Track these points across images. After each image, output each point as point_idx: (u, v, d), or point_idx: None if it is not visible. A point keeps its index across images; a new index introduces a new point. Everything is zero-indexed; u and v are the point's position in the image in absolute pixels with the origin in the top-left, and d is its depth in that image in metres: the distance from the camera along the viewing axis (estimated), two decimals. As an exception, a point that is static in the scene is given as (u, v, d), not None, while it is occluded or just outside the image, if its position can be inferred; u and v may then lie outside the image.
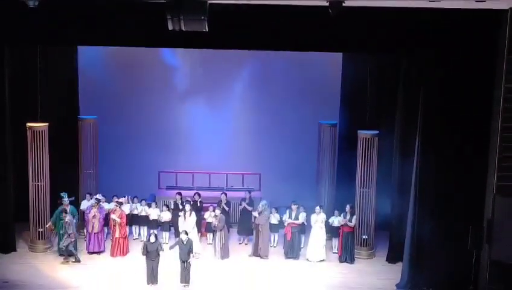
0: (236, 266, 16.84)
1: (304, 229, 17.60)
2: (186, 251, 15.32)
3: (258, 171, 20.01)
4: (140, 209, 18.19)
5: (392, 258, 17.15)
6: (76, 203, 17.74)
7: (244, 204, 18.14)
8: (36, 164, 16.99)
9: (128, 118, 20.10)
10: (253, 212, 17.67)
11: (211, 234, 17.80)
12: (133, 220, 18.33)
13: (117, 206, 17.36)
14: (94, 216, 17.10)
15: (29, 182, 17.13)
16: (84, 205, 17.89)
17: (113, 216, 17.19)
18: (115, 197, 17.71)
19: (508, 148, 14.10)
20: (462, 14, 13.74)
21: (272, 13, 13.84)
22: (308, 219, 17.35)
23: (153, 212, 18.12)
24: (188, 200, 17.76)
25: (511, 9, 13.56)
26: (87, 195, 18.06)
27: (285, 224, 17.30)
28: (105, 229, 17.66)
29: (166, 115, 20.31)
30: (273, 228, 17.79)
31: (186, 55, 19.80)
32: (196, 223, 17.31)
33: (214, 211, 17.41)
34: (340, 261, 17.26)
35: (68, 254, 16.75)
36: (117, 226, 17.14)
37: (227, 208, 18.18)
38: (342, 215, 17.22)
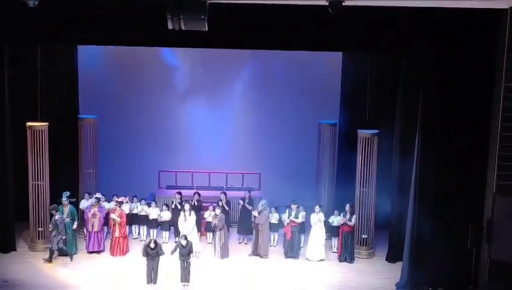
0: (236, 266, 16.84)
1: (304, 228, 17.61)
2: (187, 253, 15.34)
3: (257, 170, 20.02)
4: (140, 208, 18.20)
5: (392, 257, 17.16)
6: (76, 203, 17.75)
7: (244, 203, 18.14)
8: (36, 163, 16.98)
9: (128, 118, 20.11)
10: (253, 212, 17.68)
11: (211, 234, 17.81)
12: (133, 219, 18.34)
13: (117, 205, 17.36)
14: (94, 215, 17.10)
15: (29, 181, 17.12)
16: (84, 204, 17.90)
17: (112, 215, 17.19)
18: (114, 197, 17.71)
19: (507, 147, 14.11)
20: (461, 14, 13.75)
21: (272, 13, 13.83)
22: (307, 218, 17.35)
23: (153, 212, 18.13)
24: (187, 200, 17.77)
25: (510, 8, 13.57)
26: (86, 194, 18.07)
27: (285, 223, 17.31)
28: (105, 228, 17.66)
29: (166, 115, 20.32)
30: (273, 227, 17.80)
31: (186, 54, 19.80)
32: (196, 222, 17.31)
33: (213, 210, 17.42)
34: (340, 260, 17.26)
35: (60, 253, 16.73)
36: (117, 225, 17.15)
37: (227, 208, 18.18)
38: (341, 214, 17.22)
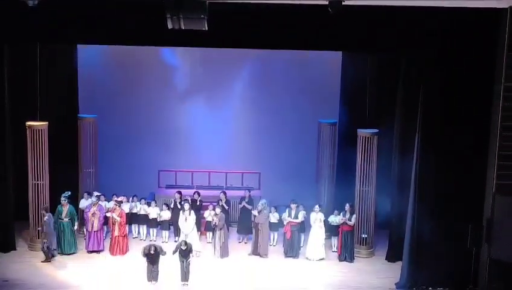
0: (235, 265, 16.85)
1: (304, 228, 17.61)
2: (186, 253, 15.35)
3: (257, 170, 20.03)
4: (140, 208, 18.20)
5: (392, 257, 17.16)
6: (75, 203, 17.77)
7: (244, 203, 18.15)
8: (36, 162, 16.97)
9: (128, 117, 20.10)
10: (252, 211, 17.68)
11: (210, 233, 17.81)
12: (133, 219, 18.34)
13: (116, 205, 17.36)
14: (94, 214, 17.11)
15: (29, 181, 17.11)
16: (83, 203, 17.91)
17: (112, 215, 17.20)
18: (114, 196, 17.72)
19: (507, 146, 14.11)
20: (461, 14, 13.76)
21: (272, 12, 13.83)
22: (307, 217, 17.35)
23: (153, 211, 18.14)
24: (186, 199, 17.77)
25: (510, 8, 13.57)
26: (85, 194, 18.07)
27: (285, 223, 17.31)
28: (105, 228, 17.66)
29: (166, 114, 20.32)
30: (273, 226, 17.80)
31: (186, 54, 19.80)
32: (196, 222, 17.32)
33: (213, 209, 17.42)
34: (340, 260, 17.26)
35: (46, 253, 16.70)
36: (116, 225, 17.15)
37: (226, 207, 18.19)
38: (341, 214, 17.22)
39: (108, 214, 17.29)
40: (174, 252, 15.52)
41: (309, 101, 19.57)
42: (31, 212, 17.16)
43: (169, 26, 12.64)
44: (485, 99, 14.54)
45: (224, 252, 17.23)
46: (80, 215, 17.84)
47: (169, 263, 15.63)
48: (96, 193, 17.73)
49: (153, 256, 15.24)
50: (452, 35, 14.34)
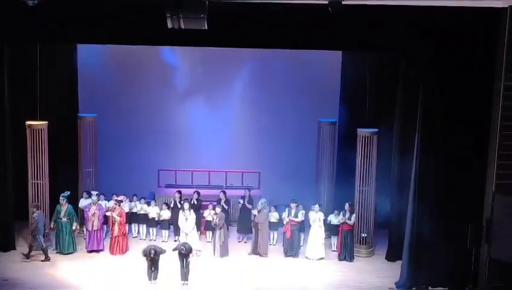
0: (235, 264, 16.85)
1: (303, 227, 17.62)
2: (186, 253, 15.35)
3: (257, 169, 20.04)
4: (140, 207, 18.20)
5: (392, 256, 17.16)
6: (75, 203, 17.77)
7: (243, 202, 18.15)
8: (35, 162, 16.99)
9: (127, 117, 20.11)
10: (252, 211, 17.69)
11: (210, 232, 17.82)
12: (132, 218, 18.34)
13: (116, 204, 17.37)
14: (94, 214, 17.11)
15: (29, 180, 17.13)
16: (82, 203, 17.92)
17: (112, 214, 17.20)
18: (114, 195, 17.72)
19: (507, 146, 14.11)
20: (461, 13, 13.76)
21: (272, 11, 13.83)
22: (307, 217, 17.35)
23: (152, 211, 18.14)
24: (186, 199, 17.77)
25: (510, 7, 13.57)
26: (85, 193, 18.08)
27: (285, 222, 17.31)
28: (105, 227, 17.66)
29: (165, 114, 20.32)
30: (273, 226, 17.80)
31: (186, 54, 19.80)
32: (196, 221, 17.32)
33: (213, 209, 17.43)
34: (340, 259, 17.26)
35: (30, 251, 16.73)
36: (116, 224, 17.15)
37: (226, 206, 18.19)
38: (341, 213, 17.23)
39: (108, 213, 17.30)
40: (174, 250, 15.53)
41: (309, 100, 19.57)
42: (30, 212, 17.14)
43: (169, 25, 12.65)
44: (485, 99, 14.53)
45: (224, 252, 17.24)
46: (80, 215, 17.86)
47: (169, 262, 15.63)
48: (94, 192, 17.71)
49: (153, 258, 15.24)
50: (452, 35, 14.34)
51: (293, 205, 17.27)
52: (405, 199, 15.87)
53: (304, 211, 17.36)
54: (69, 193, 17.20)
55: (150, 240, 18.10)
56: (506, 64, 13.83)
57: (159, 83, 20.23)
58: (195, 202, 18.05)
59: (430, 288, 15.51)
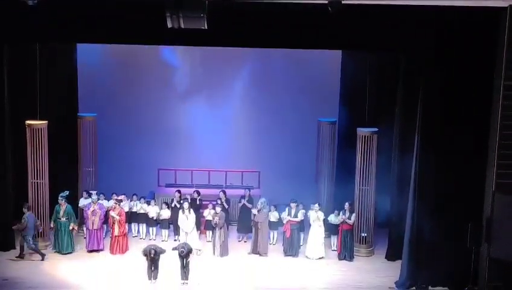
0: (235, 264, 16.86)
1: (303, 226, 17.63)
2: (186, 253, 15.37)
3: (257, 169, 20.04)
4: (140, 207, 18.20)
5: (391, 255, 17.16)
6: (75, 202, 17.77)
7: (243, 202, 18.16)
8: (35, 161, 16.98)
9: (127, 116, 20.12)
10: (252, 210, 17.69)
11: (210, 232, 17.82)
12: (132, 217, 18.35)
13: (116, 203, 17.37)
14: (94, 213, 17.11)
15: (29, 179, 17.12)
16: (82, 202, 17.92)
17: (112, 213, 17.20)
18: (114, 195, 17.73)
19: (507, 145, 14.11)
20: (461, 13, 13.77)
21: (271, 11, 13.83)
22: (307, 216, 17.35)
23: (152, 210, 18.14)
24: (185, 198, 17.78)
25: (510, 6, 13.56)
26: (84, 193, 18.08)
27: (284, 222, 17.31)
28: (105, 227, 17.66)
29: (165, 113, 20.33)
30: (272, 225, 17.81)
31: (185, 53, 19.80)
32: (196, 220, 17.33)
33: (213, 208, 17.44)
34: (339, 258, 17.26)
35: (21, 251, 16.72)
36: (116, 223, 17.15)
37: (226, 206, 18.19)
38: (341, 213, 17.23)
39: (110, 213, 17.28)
40: (173, 249, 15.54)
41: (309, 100, 19.57)
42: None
43: (169, 25, 12.65)
44: (485, 99, 14.54)
45: (224, 251, 17.24)
46: (79, 215, 17.85)
47: (169, 261, 15.65)
48: (93, 192, 17.70)
49: (153, 257, 15.25)
50: (452, 35, 14.34)
51: (293, 205, 17.27)
52: (405, 199, 15.87)
53: (303, 211, 17.37)
54: (68, 192, 17.20)
55: (150, 239, 18.10)
56: (506, 63, 13.84)
57: (159, 83, 20.23)
58: (197, 201, 18.05)
59: (430, 287, 15.52)
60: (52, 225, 17.25)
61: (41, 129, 16.94)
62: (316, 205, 17.27)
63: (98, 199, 17.42)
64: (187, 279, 15.42)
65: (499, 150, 14.18)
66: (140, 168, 19.81)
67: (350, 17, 13.68)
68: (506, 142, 14.11)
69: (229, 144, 20.23)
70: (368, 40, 14.73)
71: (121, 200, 17.68)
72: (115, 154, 19.80)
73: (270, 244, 17.92)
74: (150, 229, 18.31)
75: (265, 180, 19.77)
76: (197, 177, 20.08)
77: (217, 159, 20.05)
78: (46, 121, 17.12)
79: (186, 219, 17.08)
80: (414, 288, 15.49)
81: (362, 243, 17.61)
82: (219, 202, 17.79)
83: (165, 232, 18.24)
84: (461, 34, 14.29)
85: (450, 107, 14.72)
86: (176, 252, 15.43)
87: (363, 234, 17.55)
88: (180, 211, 17.26)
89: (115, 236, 17.17)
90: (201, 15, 12.31)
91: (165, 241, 17.89)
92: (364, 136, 17.15)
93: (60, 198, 17.02)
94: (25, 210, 16.64)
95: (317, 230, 17.19)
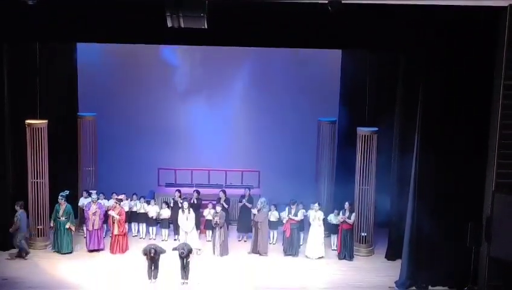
0: (235, 263, 16.86)
1: (303, 226, 17.63)
2: (186, 253, 15.38)
3: (257, 168, 20.03)
4: (140, 206, 18.21)
5: (391, 255, 17.17)
6: (75, 201, 17.76)
7: (244, 201, 18.16)
8: (35, 161, 16.97)
9: (127, 116, 20.12)
10: (252, 210, 17.69)
11: (210, 231, 17.83)
12: (132, 217, 18.34)
13: (116, 203, 17.38)
14: (94, 213, 17.11)
15: (28, 179, 17.11)
16: (82, 202, 17.92)
17: (112, 213, 17.20)
18: (114, 194, 17.73)
19: (507, 145, 14.12)
20: (461, 12, 13.77)
21: (271, 10, 13.83)
22: (306, 216, 17.35)
23: (152, 210, 18.15)
24: (185, 198, 17.78)
25: (510, 6, 13.57)
26: (84, 192, 18.08)
27: (284, 221, 17.32)
28: (105, 226, 17.66)
29: (165, 113, 20.32)
30: (272, 225, 17.81)
31: (185, 53, 19.80)
32: (195, 220, 17.33)
33: (213, 208, 17.44)
34: (339, 258, 17.27)
35: (20, 249, 16.67)
36: (116, 223, 17.15)
37: (226, 205, 18.20)
38: (341, 212, 17.23)
39: (109, 212, 17.28)
40: (173, 249, 15.54)
41: (309, 99, 19.56)
42: (30, 211, 17.14)
43: (169, 24, 12.66)
44: (485, 98, 14.54)
45: (224, 251, 17.25)
46: (79, 214, 17.84)
47: (169, 261, 15.65)
48: (93, 192, 17.70)
49: (153, 257, 15.26)
50: (452, 34, 14.34)
51: (292, 204, 17.27)
52: (405, 198, 15.87)
53: (303, 210, 17.37)
54: (67, 192, 17.20)
55: (150, 239, 18.10)
56: (506, 63, 13.84)
57: (159, 83, 20.22)
58: (195, 201, 18.05)
59: (430, 287, 15.52)
60: (52, 225, 17.26)
61: (41, 129, 16.94)
62: (316, 204, 17.28)
63: (98, 199, 17.42)
64: (187, 278, 15.43)
65: (499, 149, 14.18)
66: (140, 168, 19.82)
67: (350, 17, 13.69)
68: (506, 142, 14.12)
69: (229, 144, 20.23)
70: (368, 40, 14.72)
71: (121, 200, 17.68)
72: (115, 154, 19.80)
73: (270, 243, 17.92)
74: (150, 228, 18.31)
75: (265, 180, 19.77)
76: (197, 176, 20.07)
77: (216, 158, 20.05)
78: (46, 121, 17.12)
79: (186, 219, 17.10)
80: (414, 288, 15.50)
81: (362, 243, 17.61)
82: (220, 201, 17.77)
83: (165, 231, 18.24)
84: (461, 33, 14.29)
85: (450, 107, 14.72)
86: (176, 252, 15.43)
87: (363, 234, 17.55)
88: (180, 211, 17.27)
89: (115, 235, 17.17)
90: (202, 14, 12.32)
91: (165, 240, 17.90)
92: (364, 136, 17.15)
93: (60, 197, 17.03)
94: (17, 208, 16.63)
95: (317, 230, 17.19)
